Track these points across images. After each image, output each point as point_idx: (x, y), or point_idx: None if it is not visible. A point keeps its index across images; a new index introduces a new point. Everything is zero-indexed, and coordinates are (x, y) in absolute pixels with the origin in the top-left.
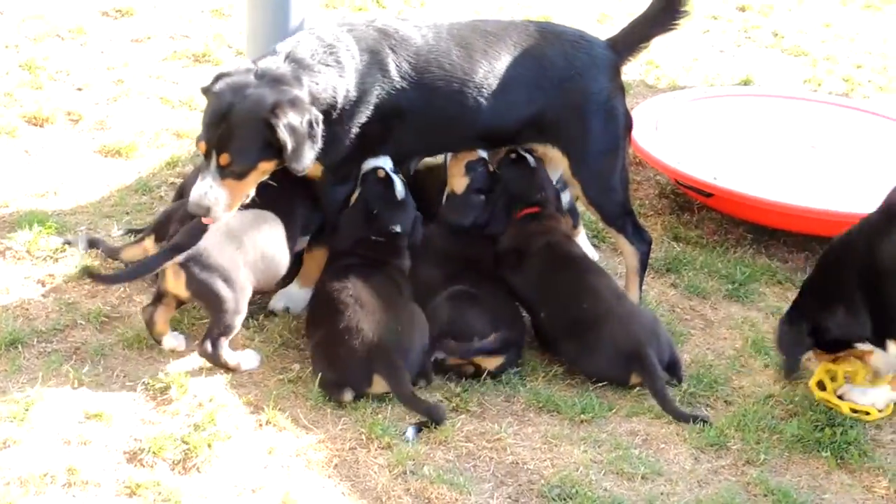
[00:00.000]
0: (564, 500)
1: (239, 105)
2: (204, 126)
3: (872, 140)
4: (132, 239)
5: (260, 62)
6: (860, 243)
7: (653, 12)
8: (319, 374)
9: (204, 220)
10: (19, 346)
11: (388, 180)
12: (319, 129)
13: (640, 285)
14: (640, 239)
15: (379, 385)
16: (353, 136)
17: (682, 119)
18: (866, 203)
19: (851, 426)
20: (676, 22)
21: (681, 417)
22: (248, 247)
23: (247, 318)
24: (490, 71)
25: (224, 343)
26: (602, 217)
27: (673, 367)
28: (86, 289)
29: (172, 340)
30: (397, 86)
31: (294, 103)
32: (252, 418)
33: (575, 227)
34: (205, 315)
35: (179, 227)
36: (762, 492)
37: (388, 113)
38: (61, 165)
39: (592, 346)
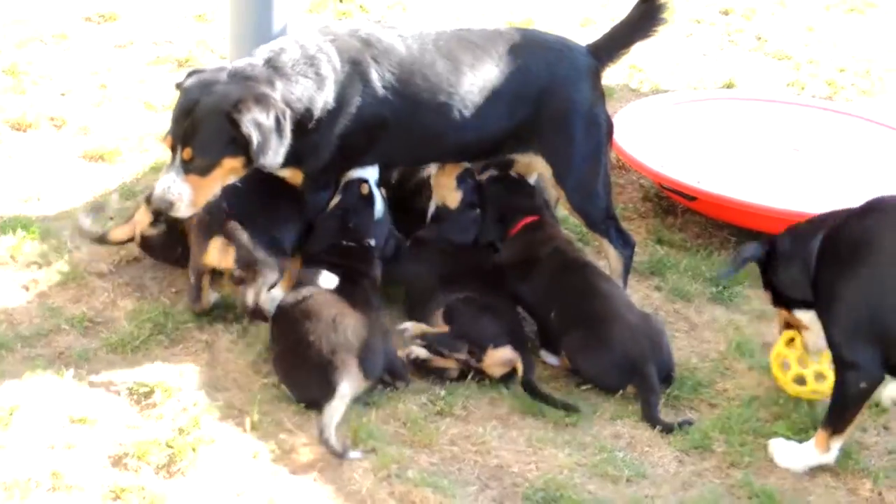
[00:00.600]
0: (549, 503)
1: (204, 100)
2: (172, 119)
3: (855, 143)
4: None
5: (235, 63)
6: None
7: (633, 19)
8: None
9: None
10: (3, 351)
11: (369, 196)
12: (288, 125)
13: (624, 288)
14: (624, 243)
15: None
16: (334, 145)
17: (666, 122)
18: (849, 206)
19: None
20: (656, 28)
21: (664, 427)
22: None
23: (231, 322)
24: (474, 82)
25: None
26: (586, 222)
27: (665, 380)
28: (70, 294)
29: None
30: (380, 96)
31: (259, 99)
32: (237, 422)
33: None
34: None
35: None
36: (746, 494)
37: (370, 123)
38: (45, 170)
39: (598, 341)
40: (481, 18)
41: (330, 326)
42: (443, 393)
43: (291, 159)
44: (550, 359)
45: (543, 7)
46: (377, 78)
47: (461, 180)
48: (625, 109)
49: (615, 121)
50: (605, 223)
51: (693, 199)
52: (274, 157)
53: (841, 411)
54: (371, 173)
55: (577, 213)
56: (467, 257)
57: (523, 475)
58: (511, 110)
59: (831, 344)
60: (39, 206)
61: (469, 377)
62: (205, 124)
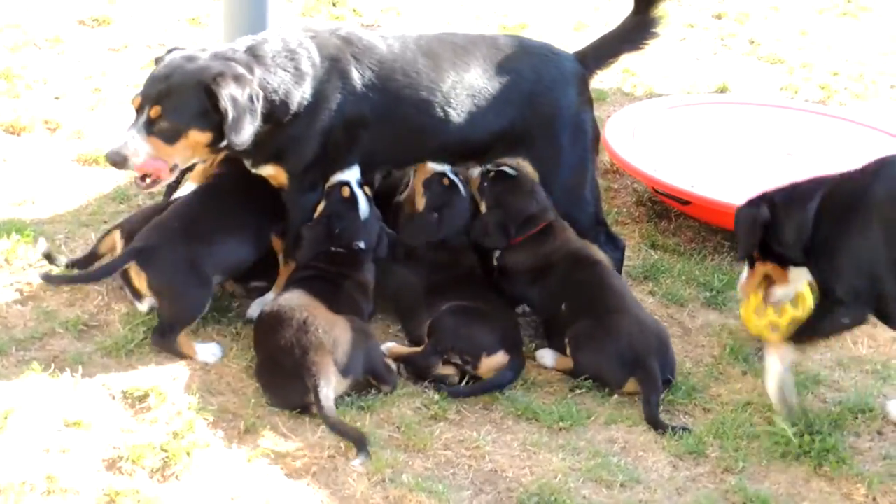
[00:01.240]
0: None
1: (184, 68)
2: (144, 84)
3: (849, 147)
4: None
5: (216, 47)
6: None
7: (624, 30)
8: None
9: (117, 169)
10: None
11: (352, 198)
12: (259, 105)
13: None
14: (614, 246)
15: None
16: (316, 142)
17: (660, 127)
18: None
19: (830, 433)
20: (646, 42)
21: (662, 429)
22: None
23: (225, 326)
24: (457, 83)
25: (179, 330)
26: (575, 228)
27: (665, 383)
28: (64, 297)
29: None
30: (359, 93)
31: (238, 78)
32: (231, 426)
33: None
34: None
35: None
36: (741, 499)
37: (351, 120)
38: (39, 174)
39: (605, 331)
40: (475, 23)
41: (301, 329)
42: (437, 397)
43: (272, 155)
44: (547, 360)
45: (537, 12)
46: (357, 75)
47: (426, 184)
48: (618, 113)
49: (609, 125)
50: (594, 228)
51: (687, 203)
52: (244, 135)
53: (814, 330)
54: (351, 174)
55: (565, 218)
56: (453, 263)
57: (517, 480)
58: (496, 113)
59: (827, 289)
60: (34, 210)
61: (464, 382)
62: (181, 89)
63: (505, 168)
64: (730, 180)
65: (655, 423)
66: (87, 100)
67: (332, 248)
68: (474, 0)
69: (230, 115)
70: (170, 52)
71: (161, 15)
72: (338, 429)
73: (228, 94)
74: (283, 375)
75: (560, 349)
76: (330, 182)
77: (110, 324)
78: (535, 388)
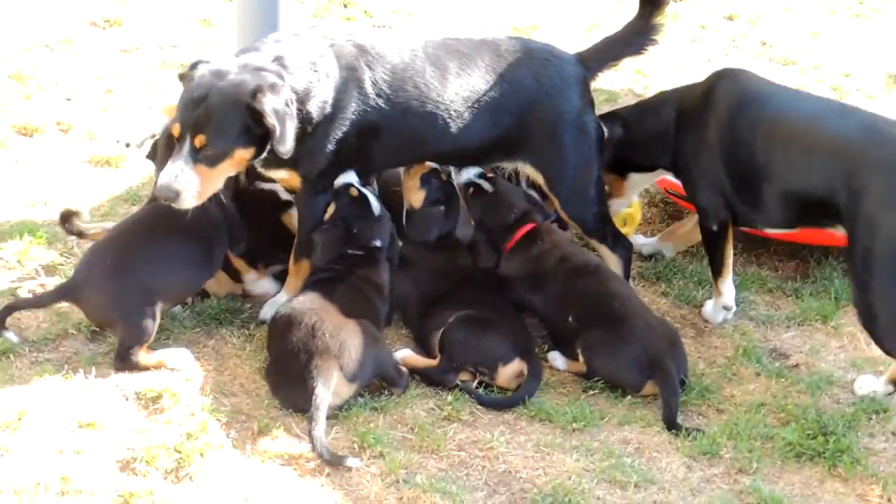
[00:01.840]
0: None
1: (220, 87)
2: (179, 109)
3: None
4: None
5: (242, 55)
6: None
7: (626, 35)
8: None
9: (174, 206)
10: (11, 356)
11: (362, 198)
12: (295, 108)
13: None
14: (621, 246)
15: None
16: (329, 150)
17: None
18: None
19: (844, 434)
20: (648, 47)
21: (676, 429)
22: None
23: (238, 328)
24: (461, 91)
25: (138, 351)
26: (582, 229)
27: (680, 384)
28: None
29: None
30: (372, 103)
31: (273, 87)
32: (244, 427)
33: None
34: (198, 324)
35: None
36: (755, 500)
37: (363, 129)
38: (51, 175)
39: (618, 338)
40: (486, 24)
41: (309, 333)
42: (450, 398)
43: (288, 161)
44: (558, 363)
45: (549, 12)
46: (370, 85)
47: (424, 180)
48: None
49: None
50: (601, 229)
51: None
52: (290, 143)
53: (710, 255)
54: (352, 175)
55: (572, 220)
56: (457, 270)
57: (531, 480)
58: (496, 118)
59: (691, 196)
60: (46, 211)
61: (476, 383)
62: (221, 111)
63: (481, 182)
64: None
65: (672, 425)
66: (99, 101)
67: (349, 251)
68: (486, 1)
69: (277, 129)
70: (193, 66)
71: (172, 16)
72: (318, 439)
73: (271, 108)
74: (289, 379)
75: (570, 356)
76: (334, 185)
77: None
78: (549, 388)
